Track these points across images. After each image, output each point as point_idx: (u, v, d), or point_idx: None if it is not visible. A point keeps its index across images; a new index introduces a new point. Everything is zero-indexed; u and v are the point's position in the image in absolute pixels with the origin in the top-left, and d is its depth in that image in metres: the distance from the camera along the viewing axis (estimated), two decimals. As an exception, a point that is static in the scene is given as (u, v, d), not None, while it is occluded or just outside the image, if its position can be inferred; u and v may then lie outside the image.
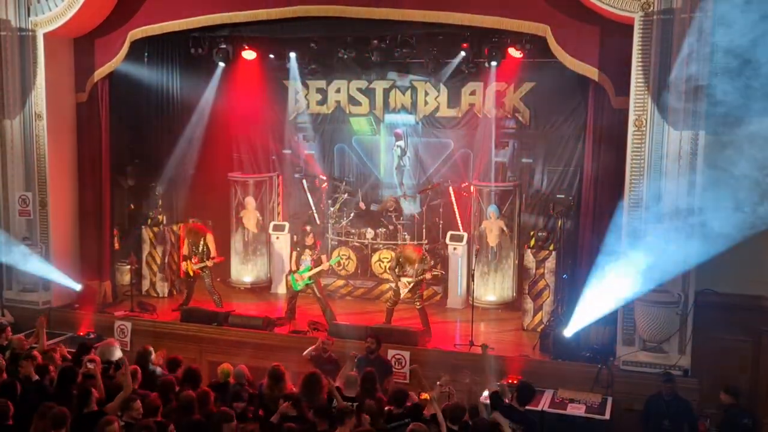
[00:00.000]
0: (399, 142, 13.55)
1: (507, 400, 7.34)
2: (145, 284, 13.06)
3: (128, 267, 12.81)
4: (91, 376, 7.45)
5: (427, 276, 10.64)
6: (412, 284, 10.59)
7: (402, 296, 10.75)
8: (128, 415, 6.67)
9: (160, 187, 13.27)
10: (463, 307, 12.17)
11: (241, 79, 13.82)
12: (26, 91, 11.60)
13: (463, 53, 12.18)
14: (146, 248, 13.02)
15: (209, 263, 11.66)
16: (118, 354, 8.84)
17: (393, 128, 13.69)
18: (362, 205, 13.48)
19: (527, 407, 7.48)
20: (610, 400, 8.87)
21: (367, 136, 14.07)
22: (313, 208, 13.97)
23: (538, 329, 10.74)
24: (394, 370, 9.43)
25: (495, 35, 11.37)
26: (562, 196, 12.05)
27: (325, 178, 13.93)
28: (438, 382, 7.42)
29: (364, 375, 7.76)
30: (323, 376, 7.59)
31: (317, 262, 11.15)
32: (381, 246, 12.88)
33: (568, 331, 9.87)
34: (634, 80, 9.08)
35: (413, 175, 13.75)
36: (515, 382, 8.24)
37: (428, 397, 7.36)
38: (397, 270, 10.77)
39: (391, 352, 9.61)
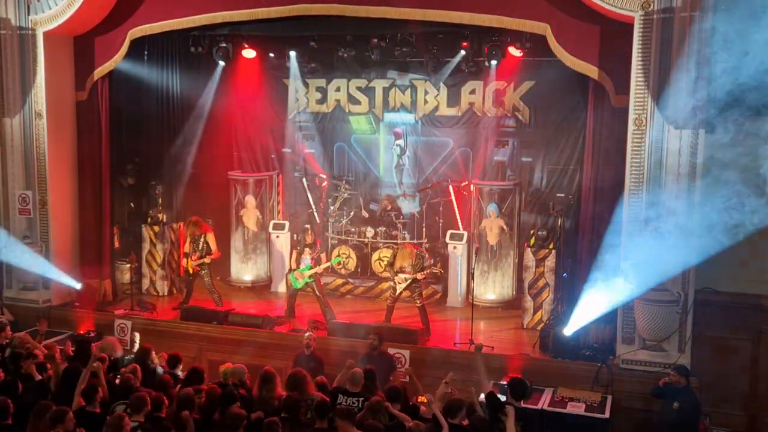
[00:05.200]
0: (398, 141, 13.56)
1: (503, 399, 7.35)
2: (145, 283, 13.06)
3: (128, 265, 12.82)
4: (95, 374, 7.45)
5: (418, 276, 10.58)
6: (409, 281, 10.60)
7: (399, 293, 10.74)
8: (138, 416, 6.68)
9: (160, 186, 13.28)
10: (463, 305, 12.18)
11: (240, 78, 13.85)
12: (26, 90, 11.61)
13: (463, 52, 12.18)
14: (146, 247, 13.03)
15: (207, 260, 11.65)
16: (119, 352, 8.88)
17: (392, 127, 13.70)
18: (365, 214, 13.46)
19: (524, 404, 7.49)
20: (609, 398, 8.87)
21: (367, 134, 14.07)
22: (313, 206, 13.98)
23: (538, 328, 10.74)
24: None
25: (495, 34, 11.38)
26: (562, 194, 12.05)
27: (324, 176, 13.94)
28: (444, 380, 7.42)
29: (364, 372, 7.79)
30: (308, 375, 7.61)
31: (317, 261, 11.15)
32: (381, 245, 12.89)
33: (568, 330, 9.88)
34: (634, 79, 9.09)
35: (413, 174, 13.76)
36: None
37: (425, 400, 7.36)
38: (394, 266, 10.77)
39: (390, 351, 9.60)
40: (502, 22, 10.09)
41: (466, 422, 6.85)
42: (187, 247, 12.01)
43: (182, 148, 13.70)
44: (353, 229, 13.25)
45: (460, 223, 13.00)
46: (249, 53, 13.02)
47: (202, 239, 11.68)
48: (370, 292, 12.87)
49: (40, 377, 7.76)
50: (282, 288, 13.00)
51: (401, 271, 10.67)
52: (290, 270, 11.42)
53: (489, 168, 13.14)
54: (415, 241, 12.50)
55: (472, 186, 12.73)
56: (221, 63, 13.03)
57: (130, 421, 6.47)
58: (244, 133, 14.38)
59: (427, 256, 11.01)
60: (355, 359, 8.69)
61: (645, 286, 9.11)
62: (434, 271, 11.01)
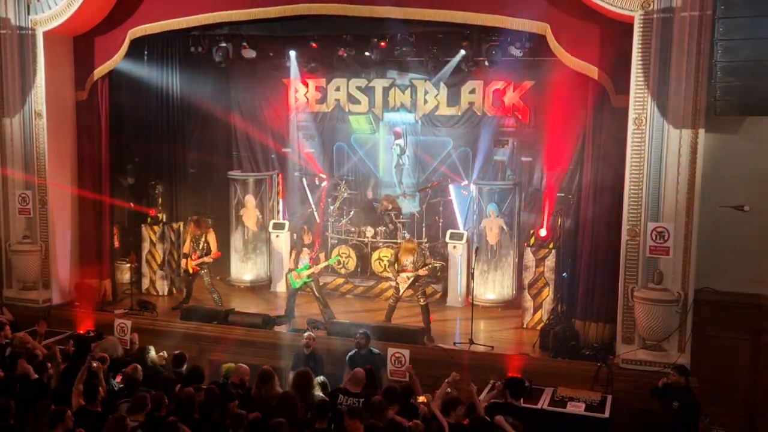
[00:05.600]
0: (398, 141, 13.57)
1: (502, 400, 7.36)
2: (145, 282, 13.06)
3: (128, 265, 12.83)
4: (95, 374, 7.45)
5: (421, 272, 10.58)
6: (411, 279, 10.59)
7: (402, 292, 10.74)
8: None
9: (160, 186, 13.27)
10: (462, 305, 12.18)
11: (240, 78, 13.84)
12: (26, 90, 11.61)
13: (463, 52, 12.14)
14: (146, 246, 13.03)
15: (208, 259, 11.65)
16: (119, 350, 8.90)
17: (392, 127, 13.71)
18: (369, 194, 13.45)
19: (525, 404, 7.50)
20: (609, 398, 8.87)
21: (367, 134, 14.08)
22: (313, 206, 13.98)
23: (538, 327, 10.74)
24: (392, 367, 9.45)
25: (495, 34, 11.36)
26: (562, 194, 12.05)
27: (324, 176, 13.94)
28: (447, 380, 7.42)
29: (365, 372, 7.80)
30: (312, 374, 7.62)
31: (315, 261, 11.15)
32: (381, 244, 12.89)
33: (568, 329, 9.87)
34: (634, 79, 9.08)
35: (412, 174, 13.78)
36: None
37: (425, 400, 7.36)
38: (396, 265, 10.77)
39: (390, 351, 9.61)
40: (502, 22, 10.08)
41: (466, 422, 6.86)
42: (186, 247, 12.00)
43: (182, 148, 13.71)
44: (353, 229, 13.26)
45: (459, 223, 13.01)
46: (249, 53, 12.98)
47: (203, 239, 11.70)
48: (370, 291, 12.86)
49: (36, 376, 7.75)
50: (282, 288, 13.00)
51: (403, 270, 10.67)
52: (289, 270, 11.42)
53: (489, 168, 13.15)
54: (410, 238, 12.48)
55: (471, 185, 12.73)
56: (221, 63, 13.02)
57: (130, 421, 6.47)
58: (244, 133, 14.39)
59: (427, 251, 10.98)
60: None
61: (645, 285, 9.13)
62: (435, 265, 11.01)
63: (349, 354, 9.12)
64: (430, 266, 10.69)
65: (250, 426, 6.65)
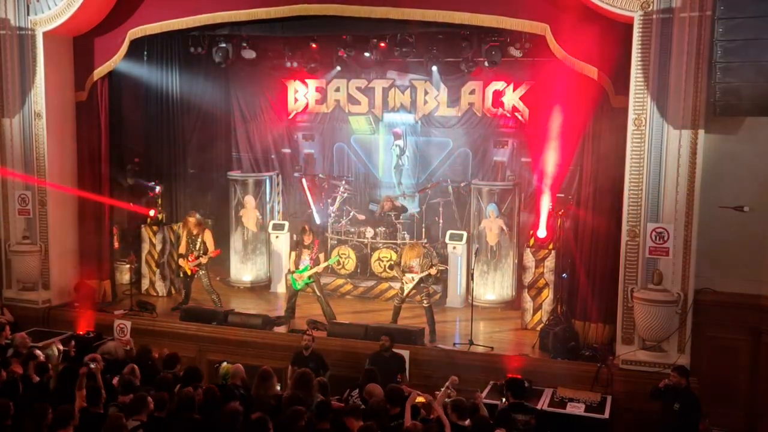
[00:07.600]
0: (398, 141, 13.57)
1: (506, 402, 7.36)
2: (145, 283, 13.05)
3: (128, 266, 12.83)
4: (92, 375, 7.44)
5: (432, 271, 10.62)
6: (416, 280, 10.59)
7: (407, 293, 10.73)
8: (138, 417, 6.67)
9: (160, 187, 13.27)
10: (462, 305, 12.18)
11: (240, 78, 13.84)
12: (26, 90, 11.61)
13: (462, 52, 12.17)
14: (145, 247, 13.02)
15: (203, 259, 11.63)
16: (120, 353, 8.89)
17: (392, 127, 13.72)
18: (361, 217, 13.44)
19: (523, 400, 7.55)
20: (609, 399, 8.87)
21: (366, 135, 14.09)
22: (313, 207, 13.98)
23: (538, 328, 10.74)
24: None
25: (495, 34, 11.38)
26: (562, 195, 12.05)
27: (324, 177, 13.94)
28: (446, 384, 7.43)
29: (366, 372, 7.79)
30: (313, 375, 7.61)
31: (316, 261, 11.15)
32: (380, 245, 12.89)
33: (568, 330, 9.87)
34: (634, 79, 9.09)
35: (412, 174, 13.78)
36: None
37: (423, 400, 7.35)
38: (402, 266, 10.77)
39: (390, 351, 9.61)
40: (501, 22, 10.09)
41: (467, 422, 6.86)
42: (182, 248, 11.97)
43: (182, 148, 13.70)
44: (353, 229, 13.25)
45: (459, 224, 13.01)
46: (248, 53, 13.00)
47: (199, 239, 11.68)
48: (370, 292, 12.86)
49: (38, 378, 7.74)
50: (281, 288, 13.00)
51: (409, 270, 10.67)
52: (289, 272, 11.41)
53: (488, 168, 13.15)
54: (416, 241, 12.49)
55: (471, 186, 12.74)
56: (221, 63, 13.03)
57: (132, 421, 6.47)
58: (243, 133, 14.40)
59: (432, 253, 10.98)
60: (364, 359, 8.72)
61: (644, 285, 9.13)
62: (440, 268, 11.03)
63: (372, 354, 9.12)
64: (435, 268, 10.68)
65: (253, 426, 6.64)
